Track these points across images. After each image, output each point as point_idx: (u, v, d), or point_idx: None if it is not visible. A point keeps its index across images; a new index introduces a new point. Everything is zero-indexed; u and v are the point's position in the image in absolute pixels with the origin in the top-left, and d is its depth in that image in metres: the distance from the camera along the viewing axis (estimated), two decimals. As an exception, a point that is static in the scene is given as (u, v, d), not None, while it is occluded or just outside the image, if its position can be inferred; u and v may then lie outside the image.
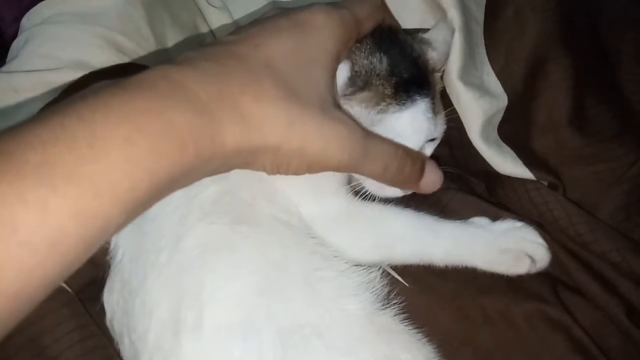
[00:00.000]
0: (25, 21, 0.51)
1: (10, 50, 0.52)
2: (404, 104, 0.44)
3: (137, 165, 0.29)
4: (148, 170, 0.29)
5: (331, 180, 0.48)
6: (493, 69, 0.53)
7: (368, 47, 0.45)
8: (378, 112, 0.44)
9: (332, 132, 0.36)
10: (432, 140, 0.48)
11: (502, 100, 0.53)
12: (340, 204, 0.47)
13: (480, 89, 0.52)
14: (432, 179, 0.45)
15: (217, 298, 0.41)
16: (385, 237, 0.48)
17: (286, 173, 0.38)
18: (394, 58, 0.45)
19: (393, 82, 0.45)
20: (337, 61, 0.40)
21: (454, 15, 0.50)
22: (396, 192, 0.46)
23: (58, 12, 0.50)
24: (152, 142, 0.29)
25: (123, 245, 0.43)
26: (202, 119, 0.31)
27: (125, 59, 0.50)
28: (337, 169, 0.38)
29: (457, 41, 0.50)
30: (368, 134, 0.40)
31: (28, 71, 0.46)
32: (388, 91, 0.45)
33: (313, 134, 0.35)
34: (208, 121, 0.31)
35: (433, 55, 0.49)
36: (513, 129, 0.52)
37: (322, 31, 0.38)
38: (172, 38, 0.54)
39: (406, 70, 0.45)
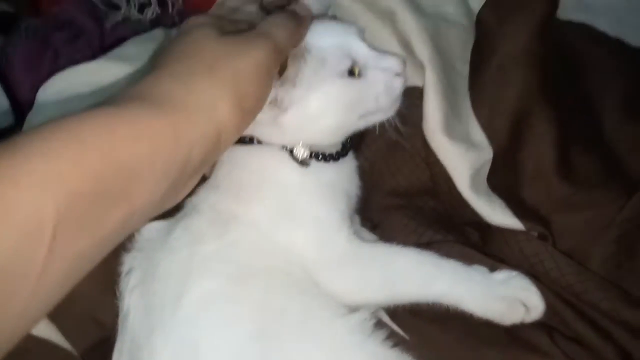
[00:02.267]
0: (41, 93, 0.53)
1: (26, 121, 0.53)
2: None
3: None
4: None
5: (333, 219, 0.47)
6: (478, 121, 0.53)
7: None
8: (309, 53, 0.44)
9: (239, 47, 0.38)
10: None
11: (488, 152, 0.53)
12: (344, 245, 0.47)
13: (466, 142, 0.52)
14: (301, 8, 0.46)
15: (214, 348, 0.41)
16: (391, 274, 0.47)
17: (250, 105, 0.39)
18: None
19: None
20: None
21: (428, 76, 0.51)
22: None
23: (71, 83, 0.52)
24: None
25: (133, 307, 0.44)
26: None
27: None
28: (271, 58, 0.39)
29: (432, 100, 0.51)
30: (256, 30, 0.41)
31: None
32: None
33: (234, 59, 0.37)
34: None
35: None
36: (502, 180, 0.52)
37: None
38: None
39: None
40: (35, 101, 0.53)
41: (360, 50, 0.47)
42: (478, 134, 0.53)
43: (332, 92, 0.45)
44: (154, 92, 0.34)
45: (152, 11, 0.86)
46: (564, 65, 0.62)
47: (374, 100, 0.47)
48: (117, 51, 0.55)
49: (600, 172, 0.51)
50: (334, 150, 0.50)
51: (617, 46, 0.66)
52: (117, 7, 0.84)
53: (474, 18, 0.61)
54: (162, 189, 0.33)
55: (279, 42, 0.40)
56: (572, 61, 0.63)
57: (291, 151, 0.47)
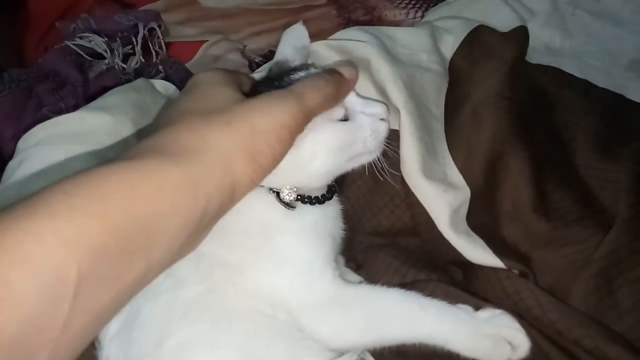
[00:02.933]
0: (21, 143, 0.53)
1: (6, 170, 0.53)
2: None
3: None
4: None
5: (317, 262, 0.47)
6: (455, 163, 0.54)
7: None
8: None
9: (261, 105, 0.38)
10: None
11: (466, 192, 0.53)
12: (328, 288, 0.46)
13: (444, 182, 0.52)
14: (347, 67, 0.46)
15: None
16: (376, 316, 0.46)
17: (266, 162, 0.38)
18: (267, 85, 0.48)
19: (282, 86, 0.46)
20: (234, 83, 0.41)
21: (403, 120, 0.52)
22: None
23: (51, 133, 0.52)
24: None
25: (113, 357, 0.42)
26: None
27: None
28: (295, 120, 0.39)
29: (408, 142, 0.51)
30: (290, 89, 0.40)
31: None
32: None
33: (252, 116, 0.37)
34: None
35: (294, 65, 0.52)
36: (481, 219, 0.52)
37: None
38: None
39: (279, 80, 0.48)
40: (16, 150, 0.53)
41: (351, 98, 0.49)
42: (455, 174, 0.54)
43: (324, 137, 0.46)
44: (171, 144, 0.34)
45: (136, 60, 0.87)
46: (536, 106, 0.64)
47: (362, 143, 0.48)
48: (99, 101, 0.55)
49: (576, 208, 0.52)
50: (319, 193, 0.50)
51: (584, 87, 0.68)
52: (101, 57, 0.85)
53: (447, 65, 0.63)
54: (180, 241, 0.33)
55: (310, 106, 0.40)
56: (543, 102, 0.65)
57: (278, 193, 0.48)
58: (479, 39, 0.65)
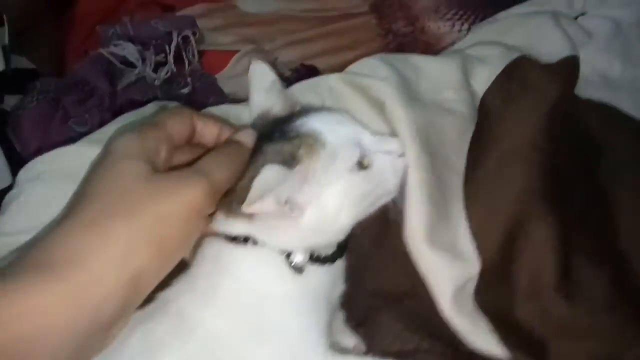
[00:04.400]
0: (22, 174, 0.51)
1: (6, 197, 0.51)
2: (309, 129, 0.43)
3: None
4: None
5: (312, 334, 0.42)
6: (470, 225, 0.47)
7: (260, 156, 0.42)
8: (322, 148, 0.41)
9: (166, 187, 0.35)
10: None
11: (475, 266, 0.45)
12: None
13: (452, 251, 0.45)
14: (246, 133, 0.43)
15: None
16: None
17: (174, 245, 0.36)
18: (267, 140, 0.43)
19: (287, 138, 0.43)
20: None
21: (413, 176, 0.45)
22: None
23: (47, 169, 0.50)
24: None
25: None
26: None
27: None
28: (203, 199, 0.36)
29: (415, 203, 0.44)
30: (196, 166, 0.38)
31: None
32: (297, 141, 0.42)
33: (156, 201, 0.35)
34: None
35: (277, 110, 0.47)
36: (492, 297, 0.44)
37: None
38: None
39: (278, 131, 0.44)
40: (16, 182, 0.51)
41: (366, 137, 0.44)
42: (466, 242, 0.46)
43: (346, 189, 0.42)
44: (55, 254, 0.32)
45: (166, 70, 0.84)
46: (579, 155, 0.55)
47: (383, 185, 0.44)
48: (100, 132, 0.53)
49: (609, 292, 0.43)
50: (330, 251, 0.45)
51: (643, 131, 0.58)
52: (133, 66, 0.83)
53: (477, 103, 0.54)
54: (67, 353, 0.31)
55: (217, 182, 0.38)
56: (588, 149, 0.56)
57: (288, 255, 0.43)
58: (518, 72, 0.56)
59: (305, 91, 0.56)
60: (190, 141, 0.43)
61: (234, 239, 0.43)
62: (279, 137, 0.44)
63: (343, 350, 0.47)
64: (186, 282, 0.43)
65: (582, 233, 0.47)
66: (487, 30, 0.70)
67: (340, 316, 0.51)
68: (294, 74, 0.82)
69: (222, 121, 0.45)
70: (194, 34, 0.88)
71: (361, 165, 0.43)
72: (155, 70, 0.84)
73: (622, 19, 0.66)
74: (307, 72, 0.82)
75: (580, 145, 0.56)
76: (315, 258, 0.44)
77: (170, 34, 0.86)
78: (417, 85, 0.53)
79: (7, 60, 0.79)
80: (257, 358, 0.41)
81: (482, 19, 0.83)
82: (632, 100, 0.61)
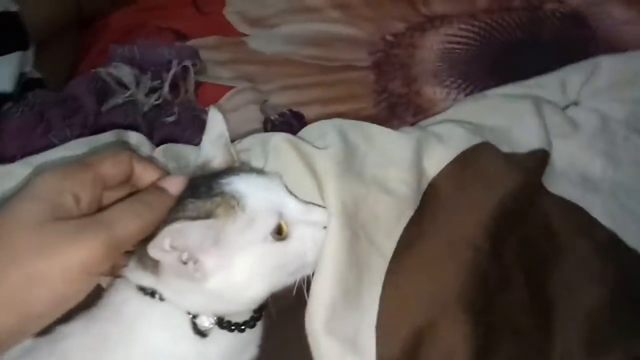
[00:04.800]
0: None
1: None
2: (234, 189, 0.41)
3: None
4: None
5: None
6: (379, 319, 0.43)
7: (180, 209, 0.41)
8: (241, 211, 0.39)
9: (52, 240, 0.33)
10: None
11: None
12: None
13: (349, 344, 0.41)
14: (174, 181, 0.41)
15: None
16: None
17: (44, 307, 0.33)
18: (192, 192, 0.41)
19: (210, 195, 0.41)
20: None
21: (329, 251, 0.42)
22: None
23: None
24: None
25: None
26: None
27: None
28: (96, 255, 0.33)
29: (324, 281, 0.41)
30: (100, 216, 0.35)
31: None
32: (218, 200, 0.40)
33: (32, 259, 0.32)
34: None
35: (216, 163, 0.46)
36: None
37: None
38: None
39: (205, 185, 0.42)
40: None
41: (290, 205, 0.42)
42: (369, 336, 0.42)
43: (258, 258, 0.40)
44: None
45: (157, 96, 0.85)
46: (527, 254, 0.51)
47: (301, 257, 0.42)
48: (41, 156, 0.53)
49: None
50: (242, 319, 0.43)
51: (609, 242, 0.53)
52: (126, 87, 0.85)
53: (424, 186, 0.51)
54: None
55: (121, 235, 0.35)
56: (543, 251, 0.52)
57: (194, 317, 0.41)
58: (476, 159, 0.53)
59: (255, 144, 0.55)
60: (127, 182, 0.42)
61: (142, 289, 0.41)
62: (204, 191, 0.42)
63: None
64: (85, 321, 0.42)
65: (509, 343, 0.42)
66: (469, 106, 0.67)
67: None
68: (280, 118, 0.81)
69: (162, 168, 0.45)
70: (193, 65, 0.89)
71: (279, 234, 0.41)
72: (147, 95, 0.85)
73: (612, 114, 0.62)
74: (293, 117, 0.81)
75: (536, 243, 0.52)
76: (225, 324, 0.42)
77: (171, 62, 0.88)
78: (363, 157, 0.51)
79: (18, 85, 0.82)
80: None
81: (482, 90, 0.81)
82: (606, 207, 0.56)
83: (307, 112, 0.81)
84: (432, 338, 0.42)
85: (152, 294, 0.41)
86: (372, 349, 0.41)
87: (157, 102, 0.84)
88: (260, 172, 0.46)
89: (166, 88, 0.86)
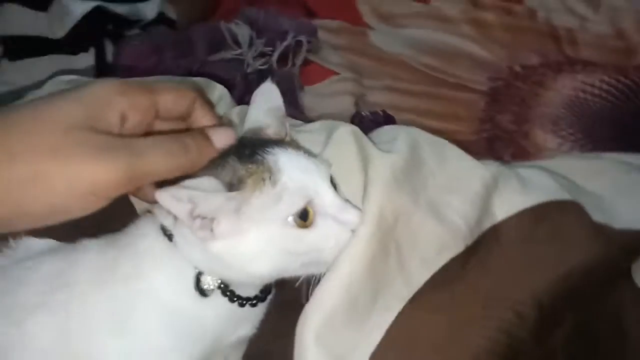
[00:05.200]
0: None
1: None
2: (274, 162, 0.39)
3: None
4: None
5: (169, 353, 0.39)
6: (379, 348, 0.38)
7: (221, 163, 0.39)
8: (271, 186, 0.37)
9: (78, 155, 0.31)
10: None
11: None
12: None
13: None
14: (222, 134, 0.39)
15: None
16: None
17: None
18: (237, 152, 0.40)
19: (250, 160, 0.39)
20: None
21: (345, 257, 0.39)
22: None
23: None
24: None
25: None
26: None
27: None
28: (114, 181, 0.32)
29: (331, 284, 0.38)
30: (130, 142, 0.33)
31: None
32: (254, 168, 0.38)
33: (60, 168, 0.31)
34: None
35: (270, 132, 0.43)
36: None
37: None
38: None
39: (250, 148, 0.40)
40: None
41: (325, 196, 0.39)
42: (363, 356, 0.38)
43: (272, 238, 0.38)
44: None
45: (262, 62, 0.87)
46: (580, 350, 0.43)
47: (319, 253, 0.39)
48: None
49: None
50: (250, 293, 0.41)
51: None
52: (239, 46, 0.87)
53: (485, 227, 0.45)
54: None
55: (143, 169, 0.33)
56: (595, 349, 0.43)
57: (199, 273, 0.40)
58: (557, 216, 0.46)
59: (322, 129, 0.52)
60: (184, 120, 0.42)
61: (163, 229, 0.41)
62: (247, 154, 0.41)
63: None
64: (105, 243, 0.43)
65: None
66: (576, 162, 0.58)
67: (238, 355, 0.47)
68: (370, 116, 0.78)
69: (221, 120, 0.44)
70: (308, 42, 0.89)
71: (303, 221, 0.38)
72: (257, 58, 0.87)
73: None
74: (384, 119, 0.78)
75: (596, 335, 0.44)
76: (229, 292, 0.41)
77: (287, 33, 0.88)
78: (428, 175, 0.46)
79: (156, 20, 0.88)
80: (104, 352, 0.39)
81: (600, 152, 0.71)
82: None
83: (401, 117, 0.78)
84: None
85: (170, 236, 0.41)
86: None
87: (261, 67, 0.86)
88: (310, 154, 0.43)
89: (275, 56, 0.87)
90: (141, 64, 0.79)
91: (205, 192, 0.36)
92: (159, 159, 0.34)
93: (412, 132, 0.50)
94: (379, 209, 0.41)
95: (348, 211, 0.40)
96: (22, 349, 0.39)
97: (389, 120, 0.77)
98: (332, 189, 0.40)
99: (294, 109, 0.77)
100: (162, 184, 0.38)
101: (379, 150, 0.46)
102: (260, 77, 0.85)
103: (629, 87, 0.82)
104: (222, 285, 0.40)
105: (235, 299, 0.41)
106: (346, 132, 0.48)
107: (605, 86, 0.82)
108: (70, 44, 0.78)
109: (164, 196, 0.35)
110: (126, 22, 0.83)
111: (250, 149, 0.41)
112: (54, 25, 0.76)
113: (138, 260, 0.41)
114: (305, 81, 0.87)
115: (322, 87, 0.85)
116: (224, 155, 0.41)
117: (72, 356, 0.38)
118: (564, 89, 0.83)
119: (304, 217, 0.38)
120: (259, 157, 0.40)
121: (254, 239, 0.37)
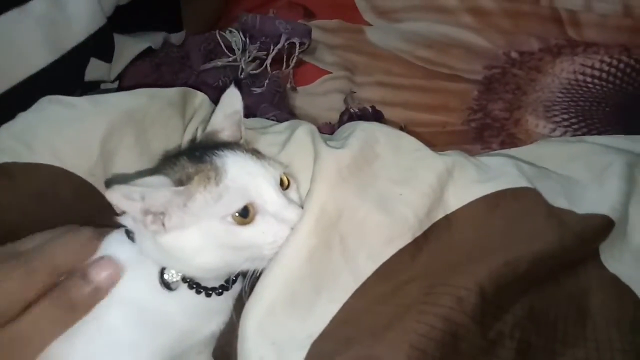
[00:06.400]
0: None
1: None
2: (221, 163, 0.42)
3: None
4: None
5: (138, 347, 0.42)
6: (324, 334, 0.39)
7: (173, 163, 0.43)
8: (215, 184, 0.41)
9: None
10: (288, 187, 0.45)
11: None
12: None
13: (277, 348, 0.38)
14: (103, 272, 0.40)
15: None
16: None
17: None
18: (189, 154, 0.44)
19: (200, 161, 0.43)
20: None
21: (287, 251, 0.41)
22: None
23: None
24: None
25: None
26: None
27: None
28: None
29: (271, 277, 0.40)
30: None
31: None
32: (202, 167, 0.42)
33: None
34: None
35: (224, 135, 0.48)
36: None
37: None
38: (122, 157, 0.56)
39: (201, 150, 0.44)
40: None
41: (266, 196, 0.42)
42: (302, 346, 0.39)
43: (212, 233, 0.41)
44: None
45: (254, 66, 0.89)
46: (536, 335, 0.43)
47: (258, 249, 0.42)
48: (108, 95, 0.59)
49: None
50: (215, 284, 0.45)
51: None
52: (233, 53, 0.90)
53: (437, 217, 0.46)
54: None
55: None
56: (553, 335, 0.43)
57: (163, 269, 0.43)
58: (512, 204, 0.46)
59: (287, 128, 0.54)
60: None
61: (127, 231, 0.45)
62: (197, 156, 0.44)
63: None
64: None
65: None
66: (552, 147, 0.58)
67: (207, 352, 0.50)
68: (358, 112, 0.79)
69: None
70: (301, 43, 0.91)
71: (243, 219, 0.41)
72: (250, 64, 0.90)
73: None
74: (373, 115, 0.79)
75: (555, 320, 0.44)
76: (194, 285, 0.44)
77: (281, 36, 0.91)
78: (380, 168, 0.48)
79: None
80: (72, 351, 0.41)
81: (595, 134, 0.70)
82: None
83: (389, 113, 0.78)
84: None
85: (133, 237, 0.44)
86: (298, 363, 0.39)
87: (253, 71, 0.89)
88: (260, 156, 0.45)
89: (268, 60, 0.90)
90: (143, 82, 0.84)
91: (153, 188, 0.39)
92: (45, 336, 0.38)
93: (368, 126, 0.51)
94: (320, 205, 0.42)
95: (288, 210, 0.42)
96: None
97: (377, 116, 0.78)
98: (275, 189, 0.43)
99: (282, 110, 0.79)
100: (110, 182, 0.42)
101: (328, 148, 0.47)
102: (252, 82, 0.88)
103: (632, 66, 0.79)
104: (187, 280, 0.43)
105: (201, 290, 0.44)
106: (303, 132, 0.50)
107: (606, 67, 0.80)
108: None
109: (114, 195, 0.39)
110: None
111: (201, 151, 0.44)
112: (112, 68, 0.81)
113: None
114: (300, 82, 0.89)
115: (314, 87, 0.87)
116: (177, 156, 0.44)
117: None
118: (562, 73, 0.81)
119: (244, 215, 0.41)
120: (208, 158, 0.43)
121: (196, 233, 0.40)
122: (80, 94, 0.71)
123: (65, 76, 0.71)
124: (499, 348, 0.41)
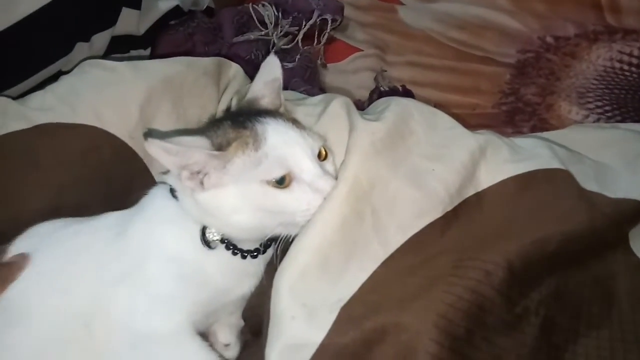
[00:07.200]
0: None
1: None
2: (262, 130, 0.43)
3: None
4: None
5: (172, 306, 0.44)
6: (352, 300, 0.41)
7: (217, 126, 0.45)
8: (254, 150, 0.43)
9: None
10: (325, 159, 0.45)
11: (320, 336, 0.40)
12: (171, 330, 0.43)
13: (308, 311, 0.40)
14: None
15: None
16: None
17: None
18: (233, 118, 0.46)
19: (242, 126, 0.44)
20: None
21: (319, 218, 0.42)
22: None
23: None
24: None
25: None
26: None
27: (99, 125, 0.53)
28: None
29: (305, 243, 0.41)
30: None
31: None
32: (242, 133, 0.44)
33: None
34: None
35: (264, 102, 0.49)
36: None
37: None
38: (160, 123, 0.58)
39: (245, 116, 0.45)
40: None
41: (303, 165, 0.43)
42: (332, 310, 0.40)
43: (250, 195, 0.42)
44: None
45: (286, 41, 0.90)
46: (560, 312, 0.44)
47: (291, 215, 0.43)
48: (147, 62, 0.60)
49: None
50: (251, 247, 0.47)
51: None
52: (265, 27, 0.91)
53: (468, 194, 0.47)
54: None
55: None
56: (577, 313, 0.44)
57: (204, 228, 0.45)
58: (544, 184, 0.47)
59: (321, 101, 0.55)
60: None
61: (171, 189, 0.47)
62: (241, 121, 0.46)
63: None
64: (121, 212, 0.48)
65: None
66: (587, 132, 0.58)
67: (240, 326, 0.52)
68: (388, 91, 0.80)
69: None
70: (333, 20, 0.91)
71: (280, 184, 0.43)
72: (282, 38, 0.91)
73: None
74: (403, 94, 0.79)
75: (580, 300, 0.45)
76: (232, 246, 0.46)
77: (313, 12, 0.91)
78: (414, 144, 0.48)
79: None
80: (114, 300, 0.43)
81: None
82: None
83: (419, 93, 0.79)
84: (394, 342, 0.39)
85: (176, 196, 0.46)
86: (326, 326, 0.40)
87: (285, 46, 0.89)
88: (300, 126, 0.47)
89: (300, 35, 0.91)
90: (176, 51, 0.85)
91: (188, 147, 0.41)
92: None
93: (404, 102, 0.52)
94: (353, 176, 0.44)
95: (322, 180, 0.43)
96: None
97: (407, 95, 0.78)
98: (312, 159, 0.44)
99: (313, 86, 0.80)
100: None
101: (363, 120, 0.48)
102: (283, 56, 0.88)
103: (672, 55, 0.78)
104: (225, 241, 0.45)
105: (238, 251, 0.45)
106: (339, 105, 0.51)
107: (645, 55, 0.79)
108: (146, 39, 0.84)
109: (152, 147, 0.41)
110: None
111: (244, 117, 0.45)
112: (140, 22, 0.82)
113: (148, 219, 0.46)
114: (331, 59, 0.90)
115: (344, 64, 0.88)
116: (222, 120, 0.46)
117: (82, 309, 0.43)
118: (598, 59, 0.80)
119: (280, 182, 0.42)
120: (250, 124, 0.44)
121: (233, 193, 0.42)
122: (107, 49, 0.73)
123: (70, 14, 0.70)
124: (524, 324, 0.42)
